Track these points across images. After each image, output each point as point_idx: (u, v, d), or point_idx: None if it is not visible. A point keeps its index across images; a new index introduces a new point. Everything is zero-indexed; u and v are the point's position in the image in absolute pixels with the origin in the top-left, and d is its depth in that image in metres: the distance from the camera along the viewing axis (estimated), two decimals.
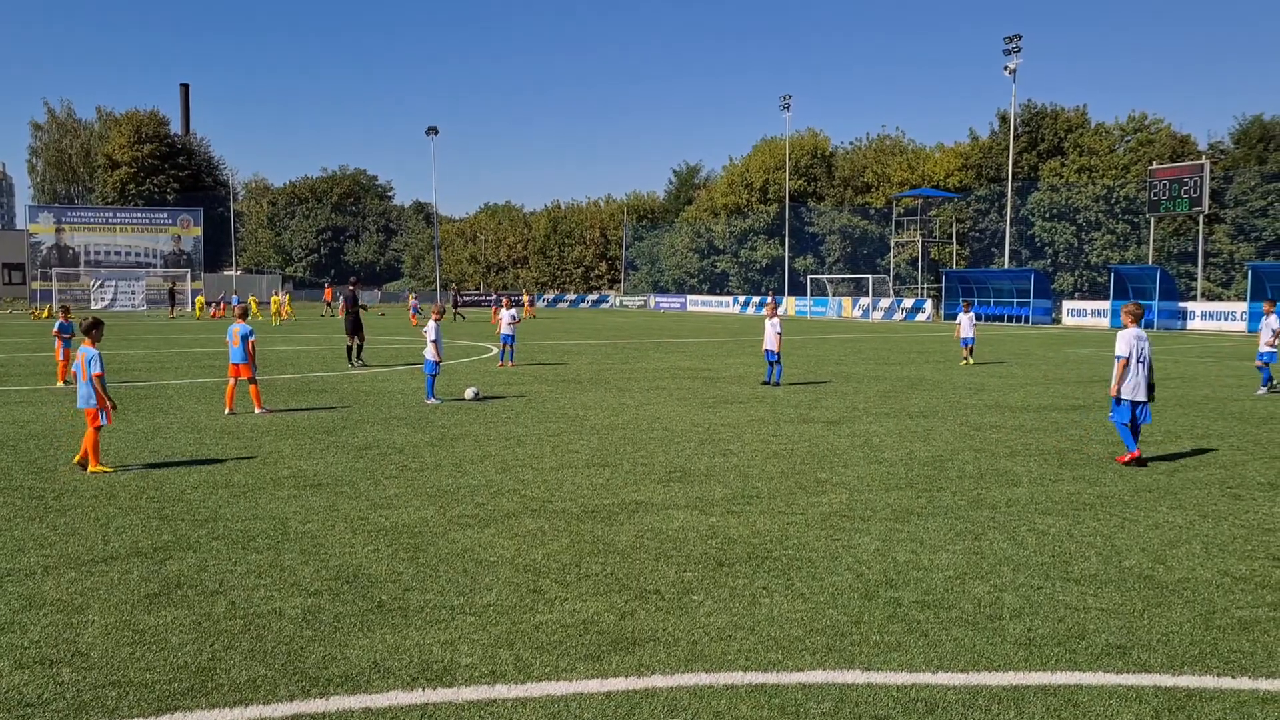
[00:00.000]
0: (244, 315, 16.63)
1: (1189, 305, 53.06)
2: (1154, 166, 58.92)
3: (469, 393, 18.12)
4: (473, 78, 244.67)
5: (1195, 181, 54.63)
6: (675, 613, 6.46)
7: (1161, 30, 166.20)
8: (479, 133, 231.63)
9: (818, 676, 5.45)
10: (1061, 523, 8.92)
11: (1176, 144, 64.55)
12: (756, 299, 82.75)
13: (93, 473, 11.03)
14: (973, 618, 6.39)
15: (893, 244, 76.25)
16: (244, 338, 15.93)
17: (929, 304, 65.70)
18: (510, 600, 6.70)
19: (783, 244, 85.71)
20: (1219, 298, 56.99)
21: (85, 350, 11.29)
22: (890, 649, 5.86)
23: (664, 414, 16.22)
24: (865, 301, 70.49)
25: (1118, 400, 11.69)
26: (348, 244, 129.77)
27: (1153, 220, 59.54)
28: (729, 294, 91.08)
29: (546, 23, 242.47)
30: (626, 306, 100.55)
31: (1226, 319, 50.09)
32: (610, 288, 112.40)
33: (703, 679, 5.40)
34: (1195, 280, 57.58)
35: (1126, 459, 11.67)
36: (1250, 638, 6.07)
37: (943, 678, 5.45)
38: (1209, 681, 5.42)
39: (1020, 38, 61.64)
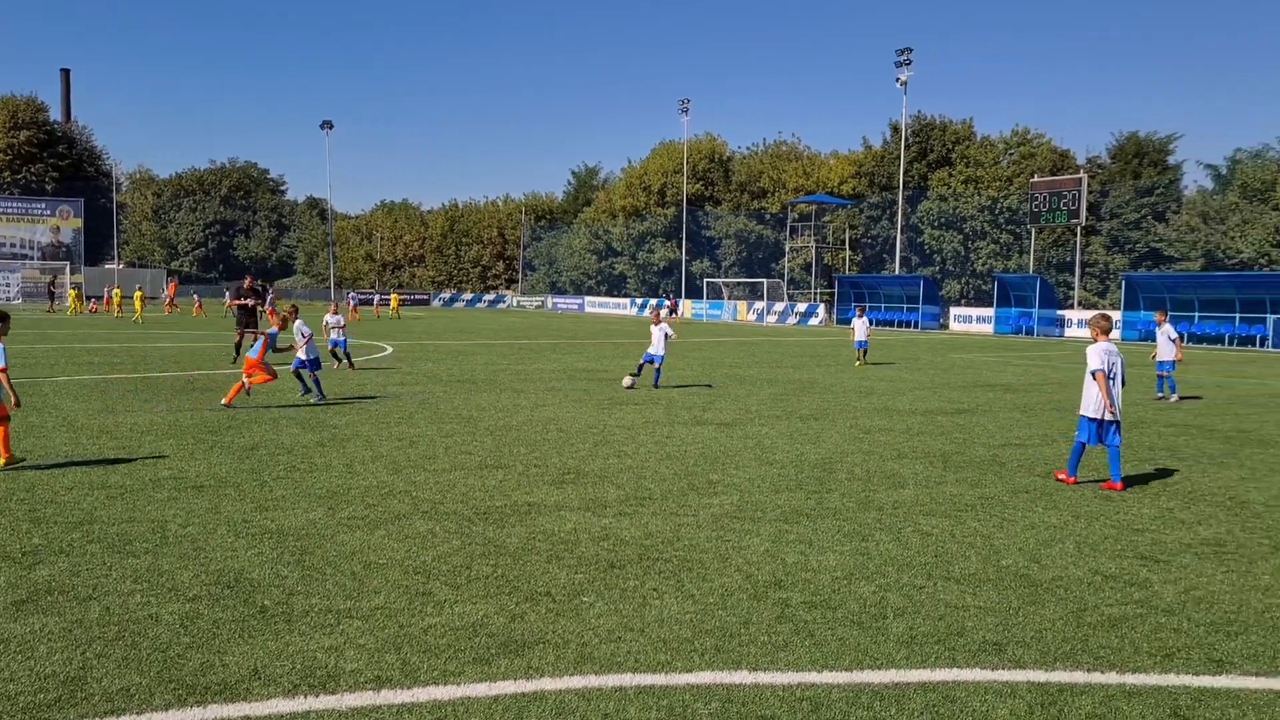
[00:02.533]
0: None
1: (1067, 313, 55.12)
2: (1035, 179, 61.06)
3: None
4: (369, 73, 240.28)
5: (1073, 194, 56.78)
6: (565, 615, 6.45)
7: (1044, 47, 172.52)
8: (376, 129, 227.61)
9: (705, 677, 5.50)
10: (944, 524, 9.17)
11: (1057, 158, 67.01)
12: (654, 301, 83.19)
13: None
14: (858, 617, 6.52)
15: (787, 249, 77.49)
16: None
17: (822, 309, 66.92)
18: (399, 603, 6.60)
19: (680, 247, 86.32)
20: (1095, 306, 59.30)
21: None
22: (777, 649, 5.94)
23: (559, 415, 16.18)
24: (760, 305, 71.43)
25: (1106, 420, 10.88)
26: (237, 239, 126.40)
27: (1034, 230, 61.67)
28: (627, 296, 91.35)
29: (445, 19, 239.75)
30: (524, 307, 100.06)
31: None
32: (508, 288, 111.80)
33: (591, 681, 5.40)
34: (1073, 289, 59.83)
35: (1064, 477, 11.11)
36: (1118, 634, 6.32)
37: (828, 676, 5.54)
38: (1079, 677, 5.63)
39: (911, 50, 63.39)
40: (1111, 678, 5.62)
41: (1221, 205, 56.57)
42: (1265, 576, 7.63)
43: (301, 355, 17.44)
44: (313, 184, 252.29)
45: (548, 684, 5.35)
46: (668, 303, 76.24)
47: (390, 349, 32.63)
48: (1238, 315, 46.40)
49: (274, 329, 17.05)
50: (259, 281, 25.27)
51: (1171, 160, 62.91)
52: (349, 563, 7.51)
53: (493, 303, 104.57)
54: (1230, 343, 45.84)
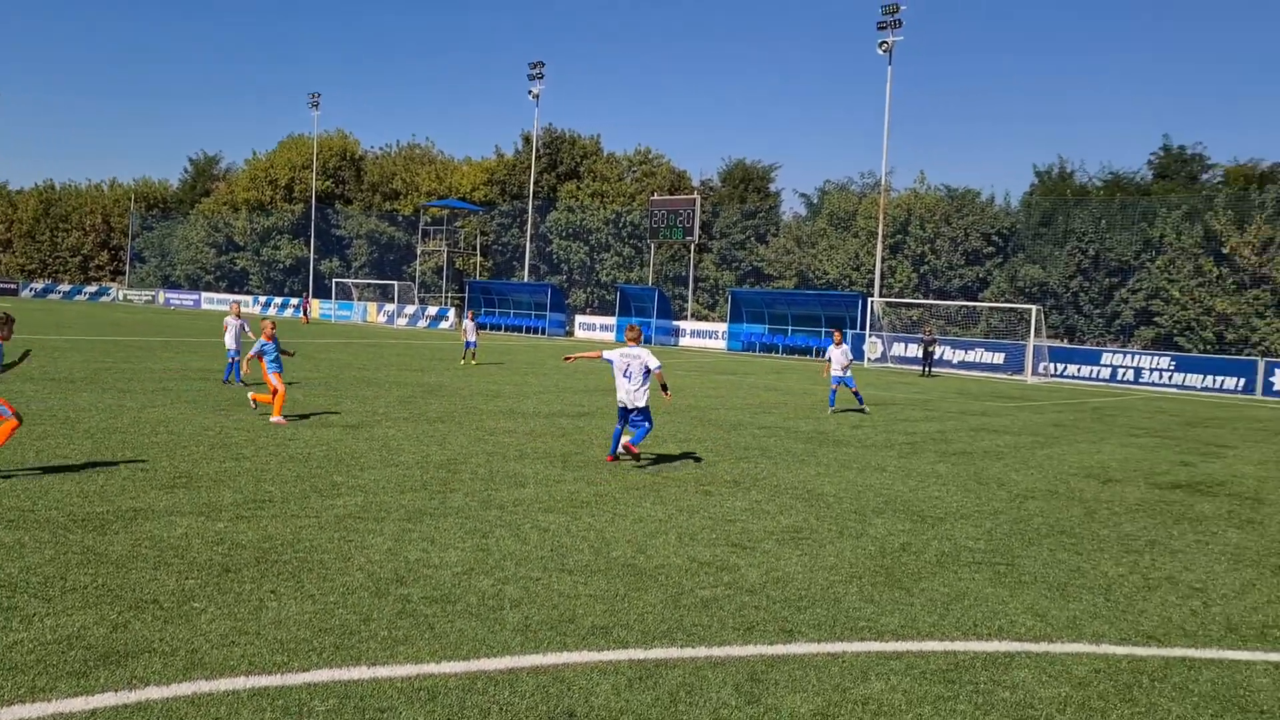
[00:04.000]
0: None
1: (681, 324, 59.05)
2: (655, 198, 64.88)
3: None
4: None
5: (688, 213, 60.98)
6: (174, 621, 6.20)
7: (666, 74, 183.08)
8: None
9: (323, 675, 5.53)
10: (561, 519, 9.67)
11: (675, 178, 71.51)
12: (279, 300, 79.90)
13: None
14: (476, 609, 6.79)
15: (419, 252, 76.97)
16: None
17: (452, 313, 67.18)
18: None
19: (308, 245, 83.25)
20: (706, 318, 63.89)
21: None
22: (397, 643, 6.07)
23: (171, 417, 15.22)
24: (390, 308, 70.53)
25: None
26: None
27: (653, 245, 65.48)
28: (250, 293, 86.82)
29: None
30: (131, 301, 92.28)
31: (710, 337, 56.38)
32: (113, 280, 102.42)
33: (202, 687, 5.27)
34: (687, 302, 64.13)
35: (611, 459, 13.36)
36: (709, 613, 7.03)
37: (445, 666, 5.75)
38: (673, 652, 6.22)
39: (544, 65, 65.31)
40: (700, 651, 6.26)
41: (812, 231, 62.89)
42: (831, 558, 8.74)
43: None
44: None
45: (154, 693, 5.16)
46: (303, 303, 73.29)
47: None
48: (823, 329, 51.80)
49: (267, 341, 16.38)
50: None
51: (772, 187, 69.09)
52: None
53: (95, 295, 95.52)
54: (818, 355, 51.04)
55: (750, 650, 6.33)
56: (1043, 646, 6.70)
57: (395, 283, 73.37)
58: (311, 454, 12.59)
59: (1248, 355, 44.10)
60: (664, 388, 13.70)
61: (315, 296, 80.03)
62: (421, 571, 7.59)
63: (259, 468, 11.47)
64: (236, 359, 20.97)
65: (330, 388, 21.26)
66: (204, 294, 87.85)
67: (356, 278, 79.76)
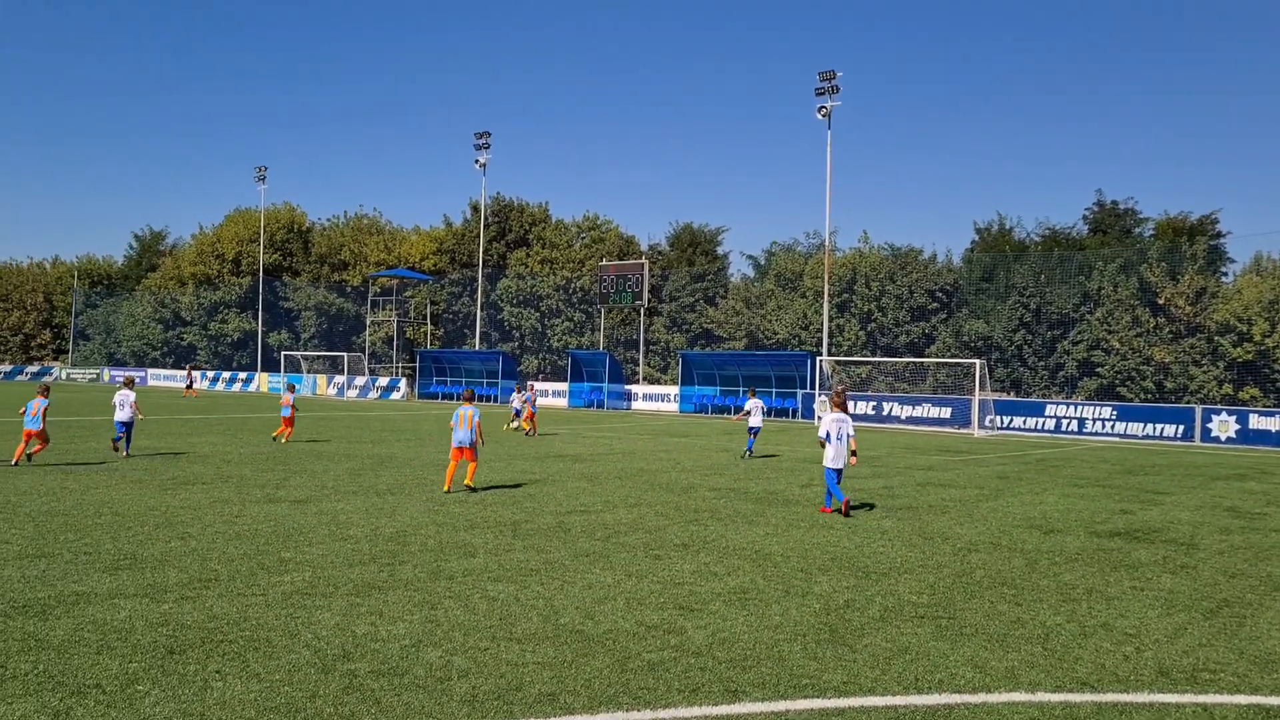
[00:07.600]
0: (471, 398, 17.69)
1: (633, 388, 59.25)
2: (604, 263, 65.44)
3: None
4: None
5: (637, 278, 61.51)
6: (117, 705, 6.18)
7: (612, 140, 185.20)
8: None
9: None
10: (510, 588, 9.72)
11: (623, 243, 72.23)
12: (226, 374, 79.13)
13: None
14: (424, 682, 6.83)
15: (369, 323, 76.80)
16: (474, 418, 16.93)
17: (404, 383, 66.90)
18: None
19: (256, 318, 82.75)
20: (658, 381, 64.20)
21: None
22: (344, 719, 6.09)
23: (114, 498, 15.07)
24: (340, 379, 70.06)
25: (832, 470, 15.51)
26: None
27: (604, 310, 65.90)
28: (198, 369, 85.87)
29: None
30: (75, 380, 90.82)
31: (663, 400, 56.60)
32: (55, 359, 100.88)
33: None
34: (639, 365, 64.45)
35: (829, 509, 15.41)
36: (655, 676, 7.12)
37: None
38: (619, 716, 6.30)
39: (489, 135, 66.03)
40: (646, 714, 6.35)
41: (760, 292, 63.71)
42: (777, 617, 8.87)
43: None
44: None
45: None
46: (188, 375, 70.54)
47: None
48: (774, 390, 52.26)
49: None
50: None
51: (720, 250, 70.01)
52: None
53: (37, 375, 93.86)
54: (768, 414, 51.42)
55: (695, 711, 6.42)
56: (980, 697, 6.86)
57: (345, 354, 72.97)
58: (259, 530, 12.53)
59: (1186, 403, 45.15)
60: (853, 452, 15.72)
61: (264, 370, 79.32)
62: (369, 645, 7.61)
63: (205, 546, 11.40)
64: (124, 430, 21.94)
65: (279, 462, 21.12)
66: (151, 370, 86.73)
67: (306, 350, 79.26)
